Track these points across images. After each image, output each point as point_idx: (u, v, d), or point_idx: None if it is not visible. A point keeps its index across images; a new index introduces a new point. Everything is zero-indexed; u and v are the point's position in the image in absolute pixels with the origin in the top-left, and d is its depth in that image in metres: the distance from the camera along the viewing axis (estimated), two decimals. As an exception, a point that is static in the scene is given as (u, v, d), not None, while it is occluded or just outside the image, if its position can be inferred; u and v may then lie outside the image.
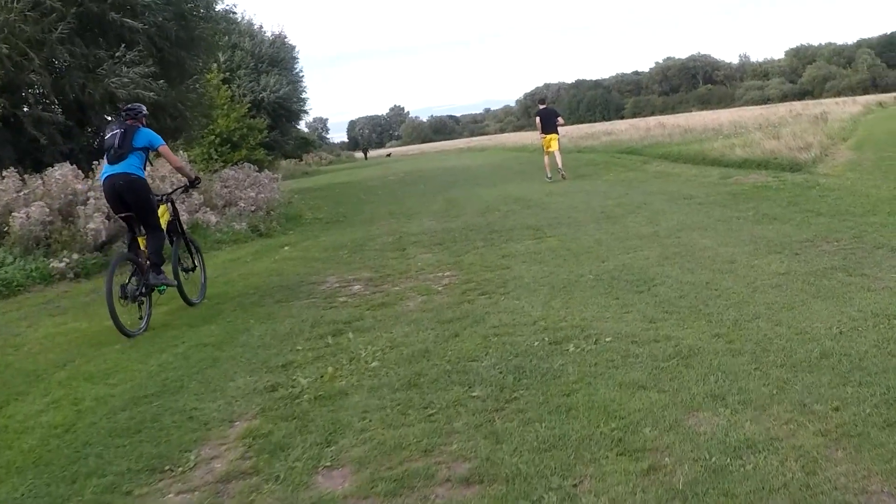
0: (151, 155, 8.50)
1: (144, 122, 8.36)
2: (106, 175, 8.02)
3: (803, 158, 17.32)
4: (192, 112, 20.26)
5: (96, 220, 11.73)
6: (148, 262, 8.06)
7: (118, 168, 7.92)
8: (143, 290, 7.88)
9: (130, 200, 8.00)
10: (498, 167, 32.09)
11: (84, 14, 16.18)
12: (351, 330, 6.48)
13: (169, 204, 8.93)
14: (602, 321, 5.79)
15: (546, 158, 21.36)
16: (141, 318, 7.83)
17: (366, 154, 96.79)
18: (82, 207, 11.93)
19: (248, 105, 45.03)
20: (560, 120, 21.52)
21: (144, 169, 8.23)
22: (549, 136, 21.03)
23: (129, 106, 8.50)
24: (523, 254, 9.25)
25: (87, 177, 13.28)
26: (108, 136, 8.07)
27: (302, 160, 68.56)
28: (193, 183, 9.37)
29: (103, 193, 8.39)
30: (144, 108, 8.62)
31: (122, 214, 8.21)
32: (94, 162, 13.81)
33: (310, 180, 41.57)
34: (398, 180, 30.62)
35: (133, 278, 7.84)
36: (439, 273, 8.71)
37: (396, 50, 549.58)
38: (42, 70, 15.93)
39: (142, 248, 8.20)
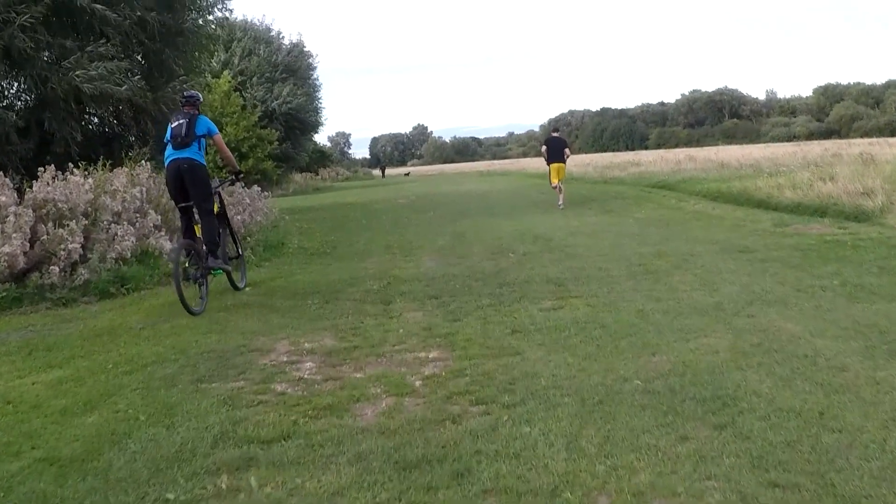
0: (209, 141, 9.21)
1: (199, 109, 9.17)
2: (171, 158, 8.82)
3: (868, 206, 14.88)
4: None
5: (14, 242, 9.42)
6: (205, 248, 8.99)
7: (183, 153, 8.75)
8: (202, 273, 8.84)
9: (191, 184, 8.80)
10: (517, 195, 29.68)
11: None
12: (263, 464, 4.11)
13: (217, 196, 9.55)
14: (672, 501, 3.41)
15: (554, 185, 21.46)
16: (201, 297, 8.77)
17: (383, 172, 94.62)
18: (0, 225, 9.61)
19: (260, 114, 43.01)
20: (567, 151, 21.63)
21: (204, 155, 9.05)
22: (554, 165, 21.21)
23: (187, 93, 9.34)
24: (541, 328, 6.81)
25: (20, 186, 11.00)
26: (175, 125, 8.83)
27: (318, 174, 66.76)
28: (238, 175, 10.30)
29: (165, 177, 9.20)
30: (200, 95, 9.54)
31: (181, 204, 9.03)
32: (41, 169, 11.47)
33: (316, 197, 39.28)
34: (407, 204, 28.13)
35: (192, 262, 8.82)
36: (423, 352, 6.31)
37: (422, 68, 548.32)
38: (-4, 60, 13.78)
39: (198, 234, 9.08)
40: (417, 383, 5.42)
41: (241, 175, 10.50)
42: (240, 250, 10.36)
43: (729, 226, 14.15)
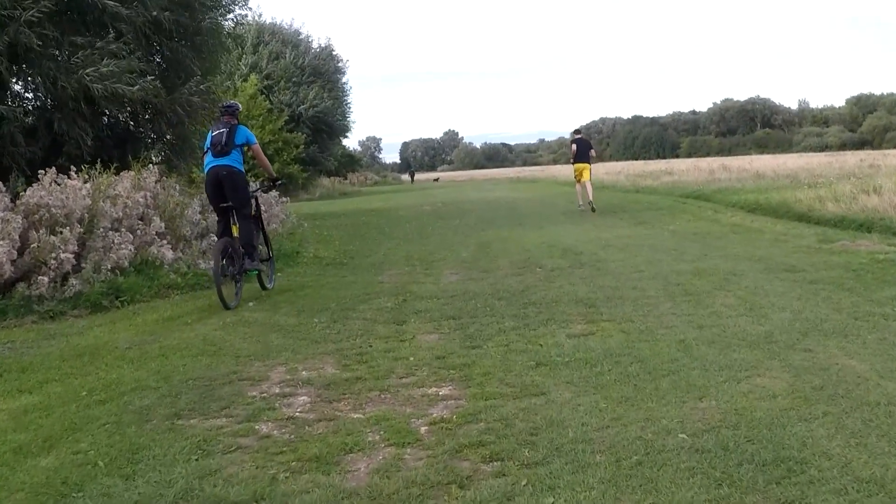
0: (247, 149, 9.62)
1: (238, 119, 9.63)
2: (211, 165, 9.32)
3: (918, 223, 13.96)
4: (194, 120, 16.95)
5: (0, 249, 8.76)
6: (242, 249, 9.42)
7: (222, 161, 9.25)
8: (238, 271, 9.32)
9: (230, 189, 9.31)
10: (546, 203, 28.79)
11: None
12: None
13: (253, 200, 9.97)
14: None
15: (578, 187, 22.63)
16: (236, 294, 9.29)
17: (412, 177, 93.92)
18: (-14, 233, 8.93)
19: (286, 118, 42.51)
20: (592, 152, 22.55)
21: (243, 163, 9.55)
22: (580, 165, 21.96)
23: (227, 103, 9.97)
24: (569, 360, 5.97)
25: (20, 190, 10.35)
26: (216, 133, 9.32)
27: (346, 179, 66.33)
28: (275, 182, 10.88)
29: (205, 183, 9.70)
30: (240, 105, 10.08)
31: (221, 205, 9.46)
32: (41, 171, 10.84)
33: (342, 203, 38.58)
34: (433, 211, 27.32)
35: (229, 261, 9.18)
36: (434, 387, 5.53)
37: (454, 75, 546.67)
38: (1, 56, 13.17)
39: (234, 234, 9.48)
40: (423, 429, 4.64)
41: (279, 182, 11.25)
42: (270, 253, 10.73)
43: (770, 240, 13.25)
